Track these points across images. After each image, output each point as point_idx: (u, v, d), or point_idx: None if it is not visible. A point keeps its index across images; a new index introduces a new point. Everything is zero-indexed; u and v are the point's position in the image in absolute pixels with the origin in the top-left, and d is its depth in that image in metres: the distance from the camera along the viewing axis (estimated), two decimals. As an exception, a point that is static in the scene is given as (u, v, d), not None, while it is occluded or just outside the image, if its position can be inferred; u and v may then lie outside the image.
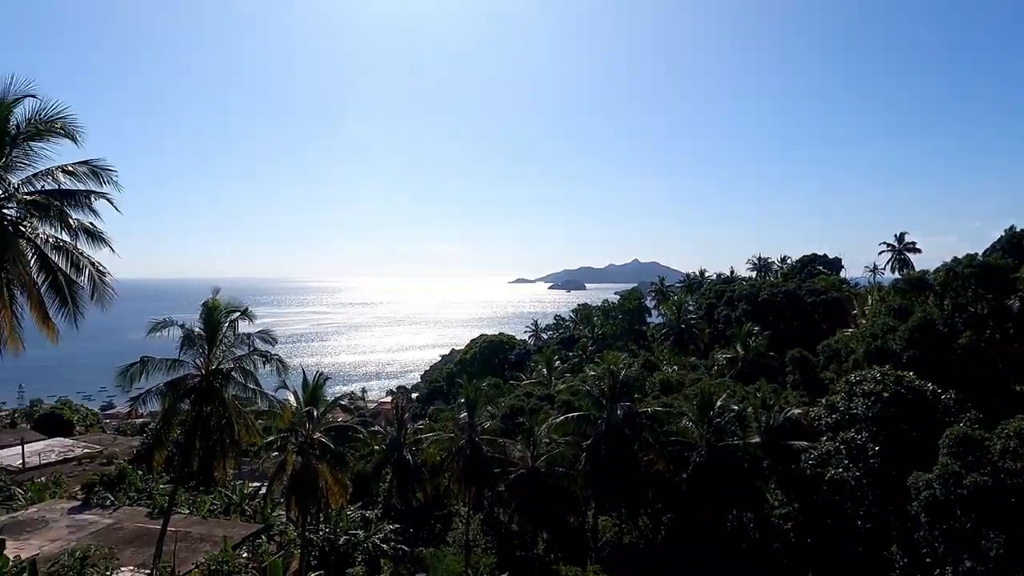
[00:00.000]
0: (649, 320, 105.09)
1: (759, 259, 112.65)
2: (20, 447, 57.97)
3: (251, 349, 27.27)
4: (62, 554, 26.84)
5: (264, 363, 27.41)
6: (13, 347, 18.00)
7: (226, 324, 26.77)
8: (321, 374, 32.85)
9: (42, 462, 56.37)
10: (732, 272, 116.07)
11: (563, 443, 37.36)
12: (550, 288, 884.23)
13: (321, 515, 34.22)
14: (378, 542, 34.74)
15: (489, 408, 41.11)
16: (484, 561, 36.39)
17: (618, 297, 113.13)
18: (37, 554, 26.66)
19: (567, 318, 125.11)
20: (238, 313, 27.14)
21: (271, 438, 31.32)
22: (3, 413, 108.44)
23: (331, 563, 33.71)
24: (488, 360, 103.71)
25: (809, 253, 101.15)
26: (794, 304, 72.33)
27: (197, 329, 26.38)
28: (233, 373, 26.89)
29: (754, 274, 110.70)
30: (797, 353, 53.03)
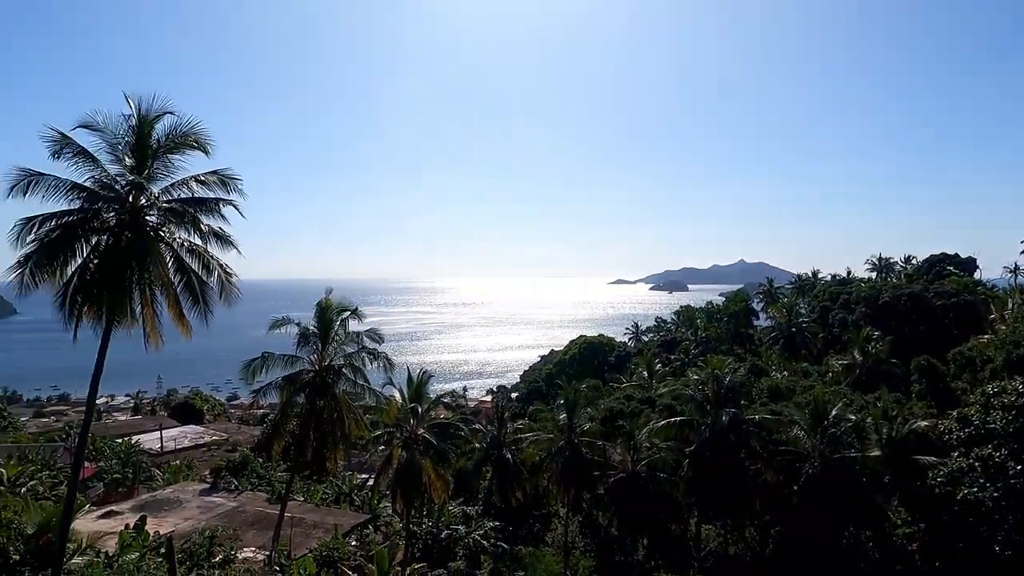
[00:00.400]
0: (756, 323, 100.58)
1: (880, 259, 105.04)
2: (159, 433, 63.73)
3: (360, 347, 28.59)
4: (194, 532, 29.20)
5: (372, 360, 28.66)
6: (154, 341, 19.84)
7: (337, 323, 28.23)
8: (424, 372, 33.89)
9: (177, 447, 61.70)
10: (849, 273, 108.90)
11: (664, 448, 36.50)
12: (651, 289, 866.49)
13: (424, 509, 35.27)
14: (478, 538, 35.37)
15: (588, 410, 40.81)
16: (583, 564, 36.20)
17: (723, 299, 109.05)
18: (172, 531, 29.11)
19: (668, 320, 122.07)
20: (348, 312, 28.54)
21: (378, 432, 32.61)
22: (145, 401, 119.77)
23: (433, 556, 34.67)
24: (587, 361, 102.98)
25: (938, 252, 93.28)
26: (920, 307, 66.91)
27: (311, 327, 27.96)
28: (344, 369, 28.30)
29: (874, 275, 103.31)
30: (924, 361, 49.10)
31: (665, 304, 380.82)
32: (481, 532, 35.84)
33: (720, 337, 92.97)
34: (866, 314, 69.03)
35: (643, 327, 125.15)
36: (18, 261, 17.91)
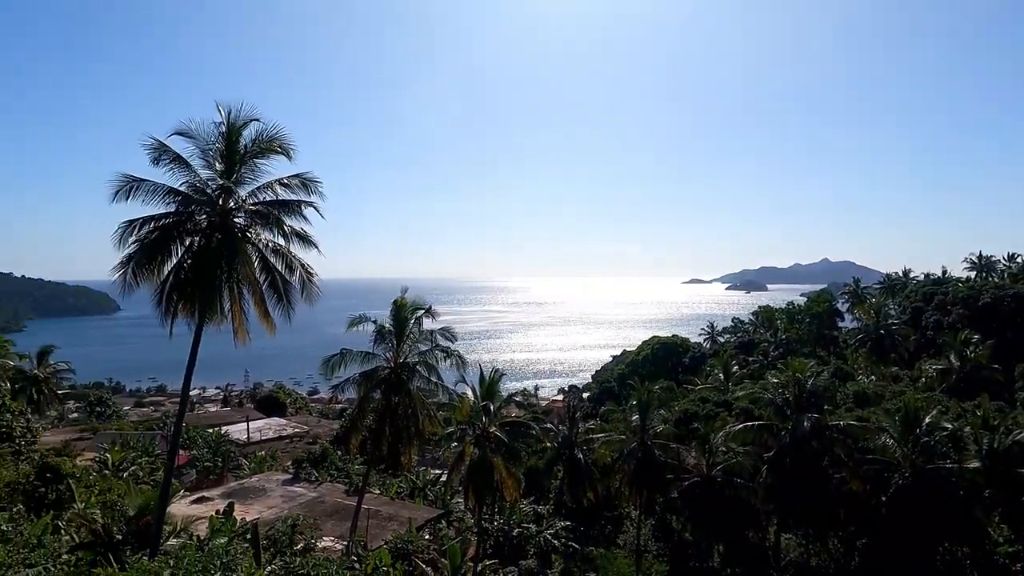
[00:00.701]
0: (841, 325, 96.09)
1: (980, 257, 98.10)
2: (246, 424, 66.99)
3: (434, 345, 29.15)
4: (277, 520, 30.49)
5: (445, 358, 29.18)
6: (241, 338, 20.90)
7: (412, 321, 28.87)
8: (496, 370, 34.15)
9: (262, 438, 64.65)
10: (944, 273, 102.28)
11: (741, 452, 35.40)
12: (727, 289, 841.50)
13: (496, 506, 35.55)
14: (549, 537, 35.36)
15: (662, 411, 40.05)
16: (656, 568, 35.62)
17: (804, 299, 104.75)
18: (258, 518, 30.52)
19: (746, 321, 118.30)
20: (422, 311, 29.15)
21: (451, 429, 33.13)
22: (233, 394, 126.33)
23: (505, 553, 34.90)
24: (660, 362, 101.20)
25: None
26: (1026, 309, 62.19)
27: (387, 325, 28.71)
28: (418, 367, 28.93)
29: (973, 274, 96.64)
30: (1030, 367, 45.51)
31: (742, 304, 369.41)
32: (552, 531, 35.82)
33: (801, 339, 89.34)
34: (964, 316, 64.79)
35: (719, 328, 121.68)
36: (121, 261, 19.27)
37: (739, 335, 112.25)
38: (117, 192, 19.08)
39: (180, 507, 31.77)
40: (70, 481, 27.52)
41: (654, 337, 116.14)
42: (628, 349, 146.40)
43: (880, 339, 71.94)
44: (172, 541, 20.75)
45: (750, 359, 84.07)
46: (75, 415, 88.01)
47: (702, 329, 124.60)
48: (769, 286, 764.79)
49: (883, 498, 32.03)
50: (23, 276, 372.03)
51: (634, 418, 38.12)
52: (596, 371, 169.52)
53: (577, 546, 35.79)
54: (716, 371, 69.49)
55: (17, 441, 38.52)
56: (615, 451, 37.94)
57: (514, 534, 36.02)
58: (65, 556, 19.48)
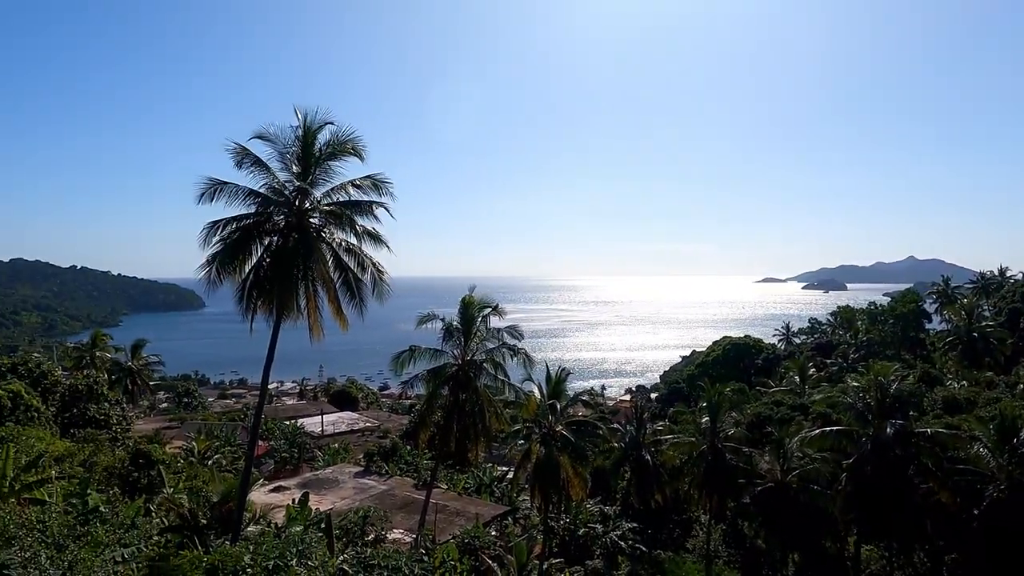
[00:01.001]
0: (928, 327, 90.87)
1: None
2: (320, 417, 69.37)
3: (500, 343, 29.34)
4: (349, 511, 31.43)
5: (512, 356, 29.32)
6: (316, 334, 21.67)
7: (479, 319, 29.15)
8: (563, 369, 34.07)
9: (335, 431, 66.82)
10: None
11: (819, 459, 33.99)
12: (804, 288, 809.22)
13: (562, 505, 35.47)
14: (616, 539, 35.01)
15: (733, 414, 39.00)
16: (726, 575, 34.69)
17: (888, 299, 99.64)
18: (331, 508, 31.53)
19: (824, 321, 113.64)
20: (489, 309, 29.38)
21: (517, 427, 33.27)
22: (308, 388, 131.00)
23: (571, 553, 34.81)
24: (732, 363, 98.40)
25: None
26: None
27: (455, 323, 29.10)
28: (485, 364, 29.19)
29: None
30: None
31: (820, 304, 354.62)
32: (619, 532, 35.44)
33: (884, 341, 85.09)
34: (1069, 318, 59.94)
35: (794, 328, 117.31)
36: (207, 260, 20.32)
37: (816, 336, 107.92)
38: (203, 194, 20.15)
39: (259, 495, 33.21)
40: (160, 467, 29.25)
41: (725, 337, 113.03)
42: (698, 349, 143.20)
43: (972, 342, 67.61)
44: (252, 527, 21.75)
45: (828, 361, 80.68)
46: (164, 405, 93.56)
47: (776, 329, 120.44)
48: (849, 285, 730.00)
49: (975, 511, 30.08)
50: (119, 274, 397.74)
51: (704, 420, 37.21)
52: (664, 371, 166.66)
53: (644, 549, 35.28)
54: (791, 373, 67.06)
55: (114, 428, 41.24)
56: (684, 453, 37.14)
57: (580, 534, 35.85)
58: (156, 538, 20.71)
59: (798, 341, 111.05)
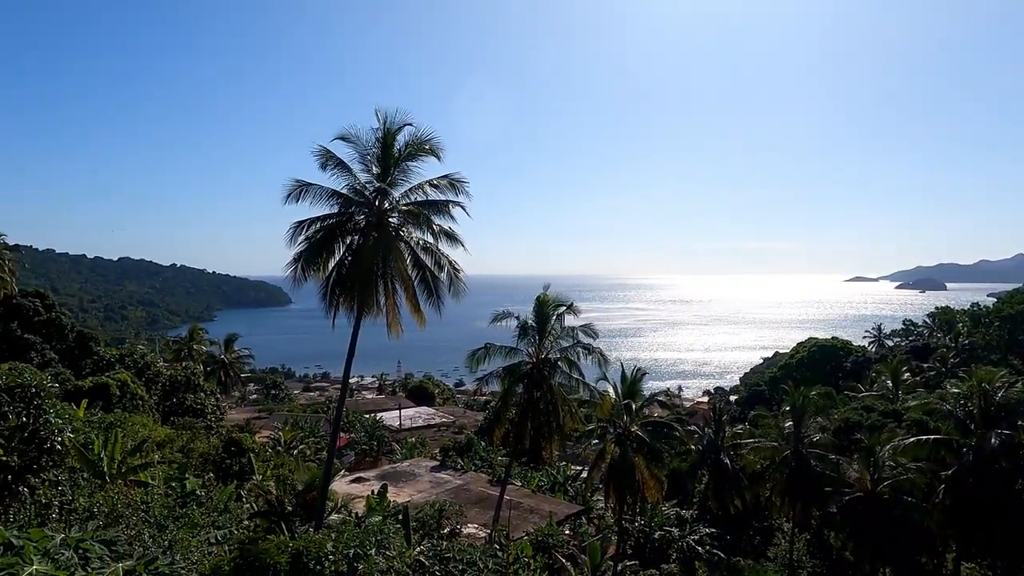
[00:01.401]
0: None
1: None
2: (398, 411, 71.20)
3: (575, 341, 29.22)
4: (425, 504, 32.09)
5: (586, 355, 29.14)
6: (395, 330, 22.26)
7: (554, 317, 29.13)
8: (638, 369, 33.56)
9: (412, 425, 68.46)
10: None
11: (913, 469, 32.02)
12: (897, 288, 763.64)
13: (637, 507, 34.98)
14: (693, 543, 34.21)
15: (819, 419, 37.23)
16: (810, 586, 33.29)
17: (993, 299, 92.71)
18: (408, 501, 32.29)
19: (920, 323, 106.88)
20: (564, 307, 29.33)
21: (592, 426, 33.05)
22: (387, 382, 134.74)
23: (646, 555, 34.27)
24: (818, 366, 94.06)
25: None
26: None
27: (529, 321, 29.19)
28: (559, 363, 29.14)
29: None
30: None
31: (916, 305, 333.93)
32: (696, 537, 34.61)
33: (989, 345, 79.26)
34: None
35: (887, 330, 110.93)
36: (292, 258, 21.24)
37: (911, 339, 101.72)
38: (289, 195, 21.06)
39: (340, 485, 34.44)
40: (250, 455, 30.81)
41: (811, 338, 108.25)
42: (781, 351, 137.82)
43: (1092, 347, 61.89)
44: (334, 516, 22.57)
45: (924, 366, 75.85)
46: (254, 396, 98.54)
47: (867, 331, 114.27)
48: (949, 285, 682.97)
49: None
50: (214, 272, 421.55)
51: (787, 424, 35.78)
52: (745, 373, 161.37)
53: (722, 555, 34.29)
54: (883, 378, 63.44)
55: (209, 417, 43.80)
56: (765, 458, 35.83)
57: (656, 536, 35.24)
58: (246, 522, 21.84)
59: (891, 344, 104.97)
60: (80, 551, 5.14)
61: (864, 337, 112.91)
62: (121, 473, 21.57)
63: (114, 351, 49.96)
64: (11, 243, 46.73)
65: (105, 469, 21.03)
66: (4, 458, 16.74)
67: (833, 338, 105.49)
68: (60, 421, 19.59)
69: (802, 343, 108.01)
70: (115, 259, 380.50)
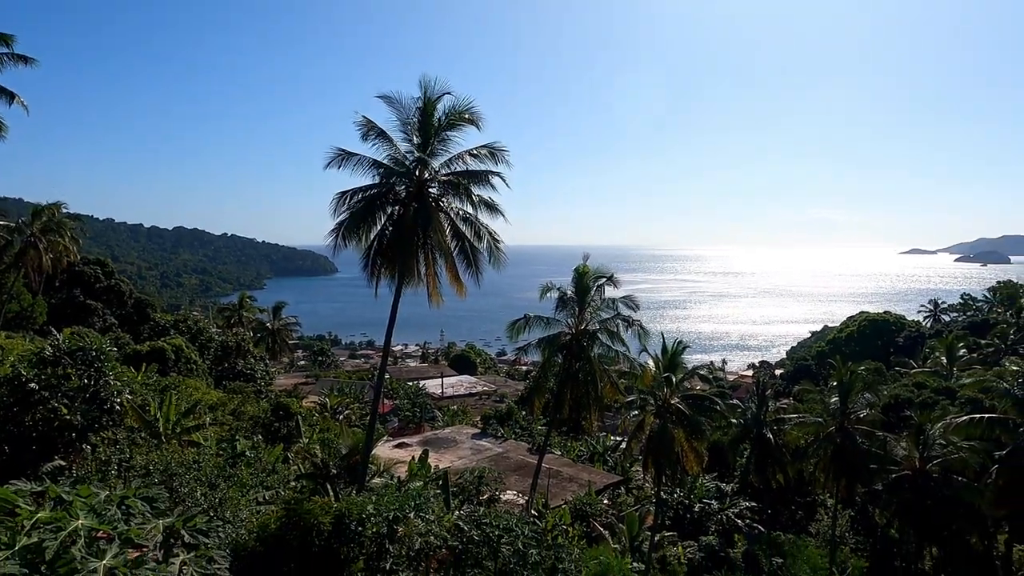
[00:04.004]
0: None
1: None
2: (440, 379, 72.31)
3: (615, 313, 29.03)
4: (465, 471, 32.74)
5: (626, 327, 28.94)
6: (435, 299, 22.48)
7: (594, 289, 28.96)
8: (680, 342, 33.14)
9: (454, 393, 69.47)
10: None
11: (966, 448, 31.03)
12: (956, 260, 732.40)
13: (677, 479, 34.93)
14: (732, 516, 34.09)
15: (867, 395, 36.22)
16: (853, 563, 32.80)
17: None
18: (449, 467, 33.00)
19: (980, 298, 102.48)
20: (604, 279, 29.11)
21: (631, 398, 32.96)
22: (430, 351, 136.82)
23: (685, 527, 34.31)
24: (868, 341, 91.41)
25: None
26: None
27: (569, 292, 29.10)
28: (599, 334, 29.03)
29: None
30: None
31: (977, 279, 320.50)
32: (736, 510, 34.46)
33: (1054, 321, 75.46)
34: None
35: (943, 305, 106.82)
36: (334, 227, 21.56)
37: (969, 314, 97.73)
38: (330, 162, 21.33)
39: (383, 450, 35.35)
40: (298, 419, 31.85)
41: (862, 313, 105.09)
42: (830, 325, 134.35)
43: None
44: (376, 480, 23.22)
45: (982, 342, 72.84)
46: (302, 363, 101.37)
47: (922, 306, 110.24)
48: (1013, 258, 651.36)
49: None
50: (263, 241, 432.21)
51: (833, 400, 34.97)
52: (791, 347, 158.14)
53: (763, 529, 34.09)
54: (937, 354, 61.38)
55: (258, 382, 45.30)
56: (810, 434, 35.20)
57: (695, 509, 35.22)
58: (292, 483, 22.67)
59: (947, 319, 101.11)
60: (124, 507, 5.44)
61: (919, 312, 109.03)
62: (176, 433, 22.60)
63: (169, 317, 51.97)
64: (73, 212, 48.75)
65: (161, 429, 22.08)
66: (68, 417, 17.71)
67: (886, 312, 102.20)
68: (119, 383, 20.56)
69: (852, 317, 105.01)
70: (170, 228, 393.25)
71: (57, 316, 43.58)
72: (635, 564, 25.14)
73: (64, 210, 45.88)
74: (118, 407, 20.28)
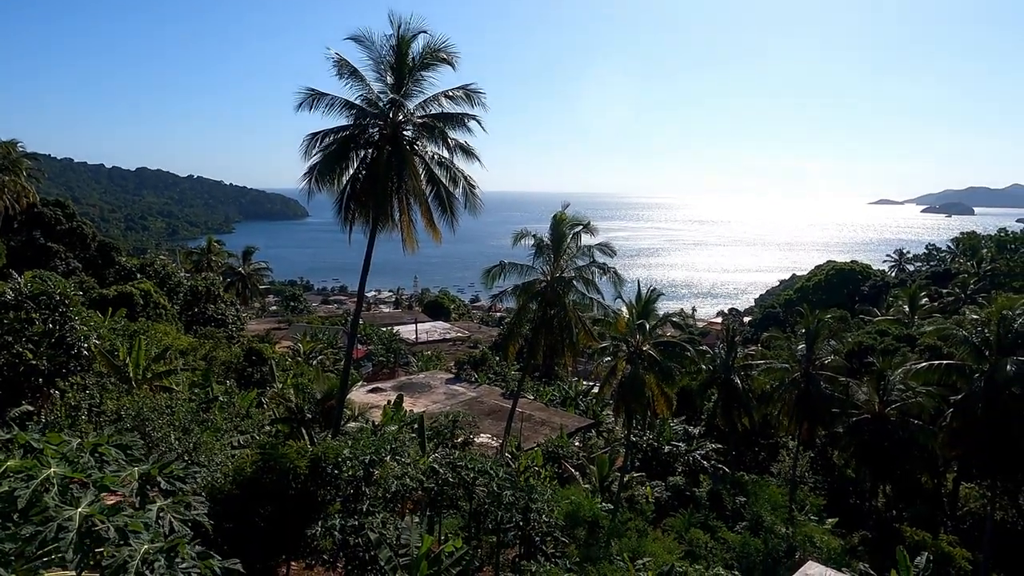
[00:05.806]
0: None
1: None
2: (414, 325, 72.41)
3: (591, 260, 29.11)
4: (440, 415, 33.12)
5: (601, 274, 29.08)
6: (410, 245, 22.19)
7: (570, 236, 28.91)
8: (653, 289, 33.51)
9: (428, 339, 69.74)
10: None
11: (923, 393, 32.28)
12: (923, 211, 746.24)
13: (646, 422, 35.87)
14: (699, 457, 35.25)
15: (832, 342, 37.26)
16: (811, 501, 34.35)
17: (1022, 225, 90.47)
18: (424, 411, 33.35)
19: (943, 248, 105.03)
20: (581, 227, 29.05)
21: (604, 344, 33.43)
22: (404, 297, 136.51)
23: (653, 468, 35.43)
24: (835, 289, 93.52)
25: None
26: None
27: (545, 239, 29.01)
28: (574, 281, 29.14)
29: None
30: None
31: (941, 229, 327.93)
32: (702, 452, 35.62)
33: (1012, 272, 77.92)
34: None
35: (908, 255, 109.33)
36: (307, 171, 20.97)
37: (932, 264, 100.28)
38: (301, 103, 20.56)
39: (358, 395, 35.54)
40: (271, 364, 31.71)
41: (829, 262, 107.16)
42: (798, 273, 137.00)
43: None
44: (351, 424, 23.37)
45: (943, 291, 75.06)
46: (274, 308, 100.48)
47: (887, 256, 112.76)
48: (977, 209, 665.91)
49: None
50: (231, 184, 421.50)
51: (800, 347, 35.91)
52: (760, 295, 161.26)
53: (727, 469, 35.38)
54: (900, 302, 63.10)
55: (229, 327, 44.85)
56: (776, 379, 36.23)
57: (664, 451, 36.30)
58: (267, 427, 22.70)
59: (911, 269, 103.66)
60: (97, 455, 5.35)
61: (884, 261, 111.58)
62: (146, 379, 22.32)
63: (136, 261, 50.74)
64: (29, 151, 46.72)
65: (131, 375, 21.76)
66: (33, 362, 17.36)
67: (852, 262, 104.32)
68: (86, 328, 20.14)
69: (820, 266, 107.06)
70: (133, 169, 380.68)
71: (17, 259, 42.20)
72: (605, 503, 25.95)
73: (20, 148, 43.94)
74: (86, 352, 19.94)
